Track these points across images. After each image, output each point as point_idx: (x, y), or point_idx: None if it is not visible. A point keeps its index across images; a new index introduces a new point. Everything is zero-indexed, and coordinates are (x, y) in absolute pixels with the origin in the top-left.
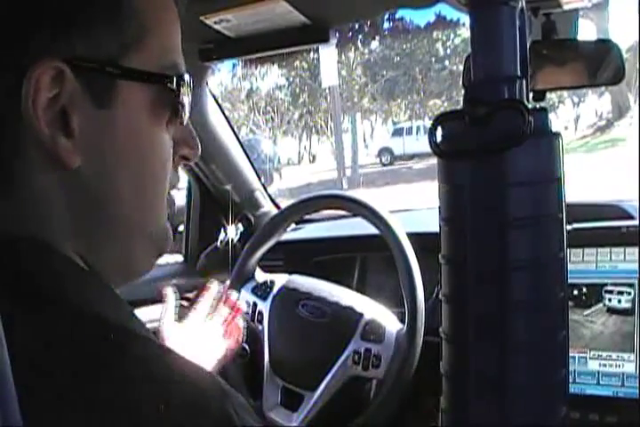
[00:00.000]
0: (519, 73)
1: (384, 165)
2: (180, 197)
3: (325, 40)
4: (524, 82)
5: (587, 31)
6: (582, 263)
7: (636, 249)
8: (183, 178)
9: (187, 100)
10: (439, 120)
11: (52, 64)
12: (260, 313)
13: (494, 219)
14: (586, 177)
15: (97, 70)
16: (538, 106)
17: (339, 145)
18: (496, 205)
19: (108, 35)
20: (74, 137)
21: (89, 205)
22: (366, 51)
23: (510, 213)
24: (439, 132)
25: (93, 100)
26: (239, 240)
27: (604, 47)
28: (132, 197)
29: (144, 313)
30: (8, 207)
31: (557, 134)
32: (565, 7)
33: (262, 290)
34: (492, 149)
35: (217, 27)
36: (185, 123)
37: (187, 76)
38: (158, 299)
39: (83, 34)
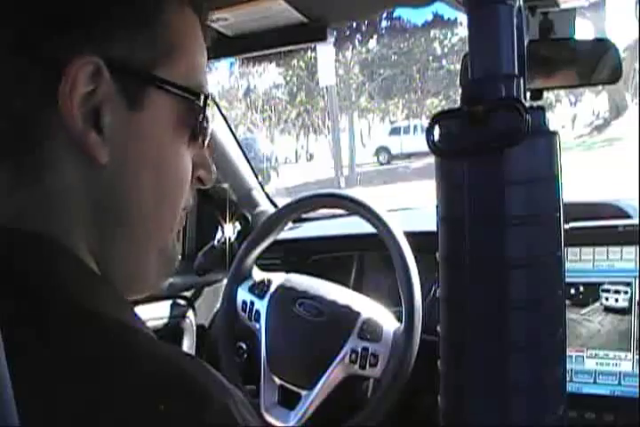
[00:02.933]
0: (517, 72)
1: (381, 163)
2: None
3: (323, 39)
4: (522, 81)
5: (584, 30)
6: (579, 262)
7: (633, 248)
8: None
9: (211, 122)
10: (437, 119)
11: (90, 59)
12: (258, 312)
13: (492, 217)
14: (583, 176)
15: (131, 74)
16: (535, 105)
17: (336, 144)
18: (494, 203)
19: (143, 44)
20: (104, 134)
21: (108, 206)
22: (364, 50)
23: (508, 212)
24: (437, 130)
25: (126, 102)
26: (236, 239)
27: (602, 46)
28: (151, 205)
29: (143, 311)
30: (25, 197)
31: (555, 133)
32: (563, 6)
33: (259, 289)
34: (490, 148)
35: (214, 25)
36: (205, 146)
37: (213, 98)
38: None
39: (121, 37)
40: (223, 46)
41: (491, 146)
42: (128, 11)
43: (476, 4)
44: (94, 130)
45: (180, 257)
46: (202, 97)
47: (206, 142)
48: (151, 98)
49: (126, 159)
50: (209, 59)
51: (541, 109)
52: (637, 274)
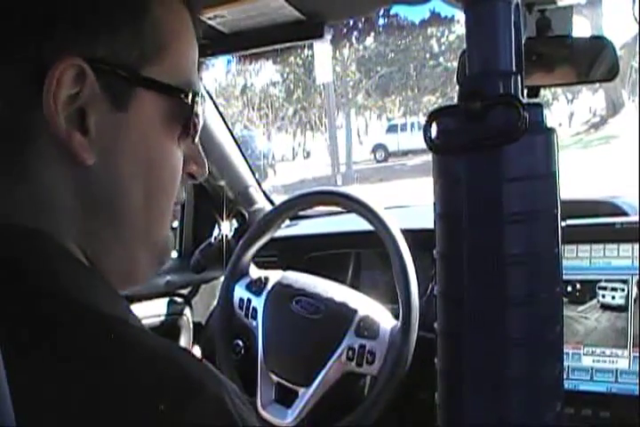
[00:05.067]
0: (514, 68)
1: (378, 161)
2: None
3: (320, 36)
4: (519, 77)
5: (581, 28)
6: (576, 259)
7: (630, 245)
8: None
9: (200, 117)
10: (434, 115)
11: (74, 62)
12: (255, 309)
13: (490, 214)
14: (580, 174)
15: (117, 74)
16: (533, 101)
17: (333, 141)
18: (492, 200)
19: (129, 43)
20: (90, 135)
21: (97, 206)
22: (361, 47)
23: (506, 209)
24: (434, 127)
25: (111, 103)
26: (233, 236)
27: (599, 44)
28: (140, 204)
29: (137, 309)
30: (13, 196)
31: (553, 130)
32: (560, 4)
33: (256, 286)
34: (488, 145)
35: (211, 22)
36: (196, 141)
37: (203, 95)
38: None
39: (106, 38)
40: (220, 44)
41: (488, 143)
42: (113, 10)
43: (475, 1)
44: (79, 131)
45: (173, 251)
46: (190, 94)
47: (197, 138)
48: (138, 97)
49: (113, 159)
50: (206, 56)
51: (539, 106)
52: (634, 271)
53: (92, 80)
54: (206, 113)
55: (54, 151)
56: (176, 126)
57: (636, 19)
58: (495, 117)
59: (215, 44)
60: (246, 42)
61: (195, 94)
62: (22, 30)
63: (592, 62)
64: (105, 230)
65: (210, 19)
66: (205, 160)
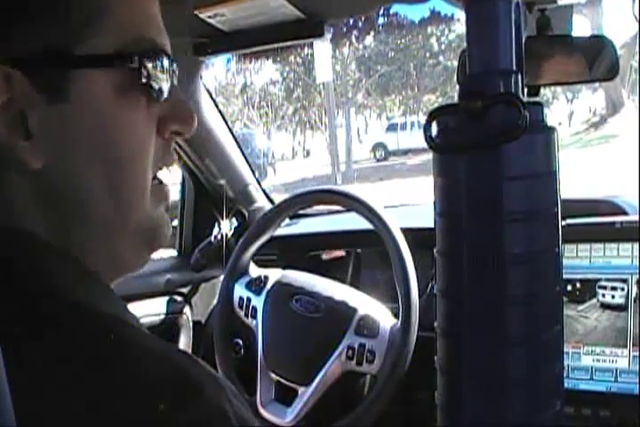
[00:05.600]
0: (515, 67)
1: (378, 160)
2: (174, 192)
3: (320, 35)
4: (520, 76)
5: (581, 27)
6: (576, 259)
7: (630, 245)
8: (177, 173)
9: (160, 76)
10: (435, 114)
11: None
12: (254, 308)
13: (490, 213)
14: (579, 173)
15: (46, 65)
16: (533, 100)
17: (333, 140)
18: (492, 199)
19: (51, 25)
20: (32, 138)
21: (60, 204)
22: (360, 46)
23: (506, 207)
24: (434, 126)
25: (48, 97)
26: (233, 235)
27: (599, 43)
28: (105, 194)
29: (137, 307)
30: None
31: (553, 129)
32: (560, 2)
33: (256, 285)
34: (488, 144)
35: (211, 21)
36: (163, 99)
37: (159, 51)
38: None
39: (22, 30)
40: (220, 42)
41: (489, 141)
42: (22, 1)
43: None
44: (21, 136)
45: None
46: (136, 57)
47: (164, 95)
48: (77, 81)
49: (66, 155)
50: (206, 55)
51: (539, 105)
52: (634, 271)
53: (21, 80)
54: (204, 107)
55: (4, 159)
56: (135, 94)
57: (635, 18)
58: (495, 116)
59: (215, 42)
60: (246, 40)
61: (143, 55)
62: None
63: (592, 61)
64: (76, 226)
65: (210, 17)
66: (192, 113)
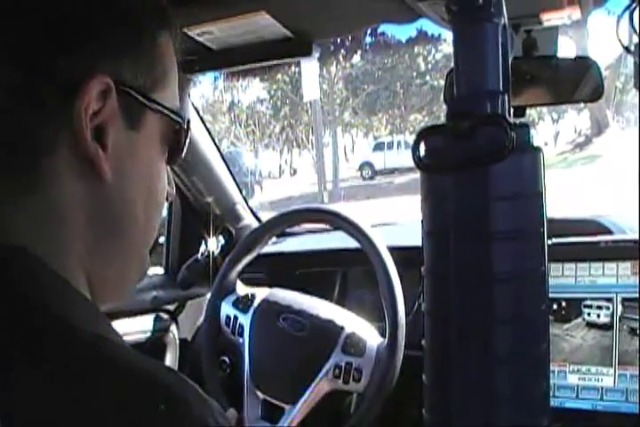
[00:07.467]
0: (502, 88)
1: (365, 179)
2: None
3: (308, 54)
4: (507, 97)
5: (566, 48)
6: (562, 278)
7: (615, 264)
8: None
9: (187, 141)
10: (423, 135)
11: (103, 79)
12: (241, 326)
13: (477, 232)
14: (564, 193)
15: (132, 96)
16: (520, 121)
17: (320, 158)
18: (479, 218)
19: (145, 68)
20: (107, 151)
21: (104, 220)
22: (348, 65)
23: (493, 227)
24: (422, 146)
25: (126, 121)
26: (220, 253)
27: (584, 64)
28: (141, 219)
29: (123, 325)
30: (15, 213)
31: (539, 149)
32: (546, 24)
33: (243, 303)
34: (475, 164)
35: (200, 39)
36: (175, 164)
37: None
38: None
39: (129, 61)
40: (208, 60)
41: (476, 162)
42: (135, 37)
43: (463, 21)
44: (100, 146)
45: (159, 267)
46: (185, 119)
47: (179, 159)
48: (147, 119)
49: (124, 175)
50: (193, 72)
51: (526, 126)
52: (619, 290)
53: (114, 98)
54: (193, 129)
55: (72, 165)
56: (167, 148)
57: (619, 40)
58: (483, 137)
59: (203, 60)
60: (235, 58)
61: (189, 121)
62: (55, 43)
63: (577, 82)
64: (107, 243)
65: (198, 35)
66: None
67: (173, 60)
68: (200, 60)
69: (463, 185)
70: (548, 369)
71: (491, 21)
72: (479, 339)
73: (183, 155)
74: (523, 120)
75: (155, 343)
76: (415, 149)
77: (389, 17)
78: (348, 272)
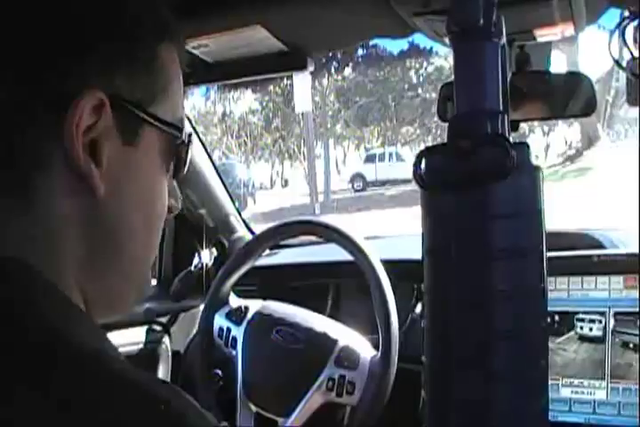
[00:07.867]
0: (502, 108)
1: (356, 190)
2: None
3: (303, 67)
4: (506, 117)
5: (557, 62)
6: (555, 291)
7: (607, 278)
8: None
9: (189, 154)
10: (424, 153)
11: (96, 94)
12: (234, 339)
13: (478, 250)
14: (556, 205)
15: (129, 110)
16: (519, 141)
17: (311, 170)
18: (479, 236)
19: (142, 82)
20: (102, 167)
21: (101, 236)
22: (340, 77)
23: (493, 245)
24: (423, 164)
25: (122, 137)
26: (213, 265)
27: (576, 79)
28: (140, 236)
29: (116, 336)
30: (14, 224)
31: (539, 168)
32: (539, 40)
33: (236, 315)
34: (476, 183)
35: (195, 51)
36: (179, 177)
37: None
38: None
39: (124, 75)
40: (203, 73)
41: (476, 180)
42: (132, 51)
43: (463, 40)
44: (93, 162)
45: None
46: (185, 133)
47: (182, 172)
48: (144, 133)
49: (120, 191)
50: (189, 85)
51: (526, 146)
52: (611, 304)
53: (109, 113)
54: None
55: (66, 180)
56: (169, 162)
57: (611, 55)
58: (483, 156)
59: (199, 73)
60: (230, 71)
61: (189, 133)
62: (46, 57)
63: (569, 98)
64: (103, 260)
65: (194, 48)
66: (179, 195)
67: (177, 71)
68: (195, 72)
69: (463, 204)
70: (546, 386)
71: (491, 41)
72: (479, 357)
73: (186, 169)
74: (523, 140)
75: (147, 355)
76: (416, 167)
77: (384, 31)
78: (341, 285)
